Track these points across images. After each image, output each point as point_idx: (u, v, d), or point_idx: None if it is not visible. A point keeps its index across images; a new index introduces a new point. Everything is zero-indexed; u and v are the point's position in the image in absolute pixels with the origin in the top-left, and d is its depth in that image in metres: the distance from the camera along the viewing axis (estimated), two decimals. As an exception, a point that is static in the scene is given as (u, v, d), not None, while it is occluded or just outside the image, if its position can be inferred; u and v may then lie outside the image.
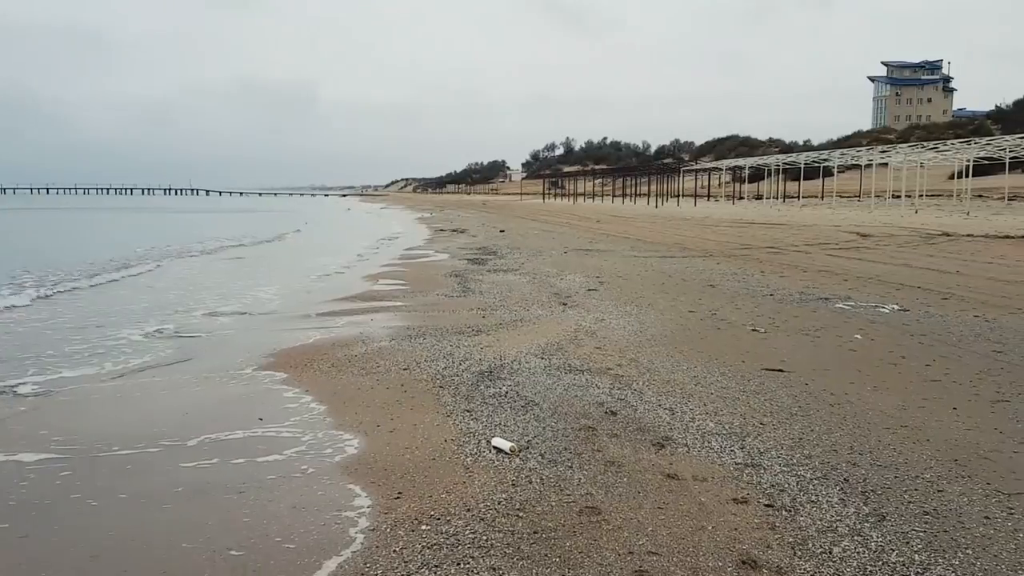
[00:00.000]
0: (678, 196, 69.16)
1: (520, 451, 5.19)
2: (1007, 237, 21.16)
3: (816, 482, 4.58)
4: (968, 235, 22.30)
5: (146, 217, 65.07)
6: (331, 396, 6.74)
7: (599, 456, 5.07)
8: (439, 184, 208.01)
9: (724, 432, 5.52)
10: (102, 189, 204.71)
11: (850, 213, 39.15)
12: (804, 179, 63.97)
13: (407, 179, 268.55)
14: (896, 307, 10.79)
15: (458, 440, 5.44)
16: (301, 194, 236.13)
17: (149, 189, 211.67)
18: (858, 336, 8.83)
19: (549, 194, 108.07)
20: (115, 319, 11.42)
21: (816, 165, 64.08)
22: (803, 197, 60.23)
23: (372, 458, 5.15)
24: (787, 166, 62.32)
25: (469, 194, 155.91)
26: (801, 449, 5.14)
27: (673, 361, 7.77)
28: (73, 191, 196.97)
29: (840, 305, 11.08)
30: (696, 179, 75.72)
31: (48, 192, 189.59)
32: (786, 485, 4.54)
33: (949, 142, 49.13)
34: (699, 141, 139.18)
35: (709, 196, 70.65)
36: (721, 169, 67.82)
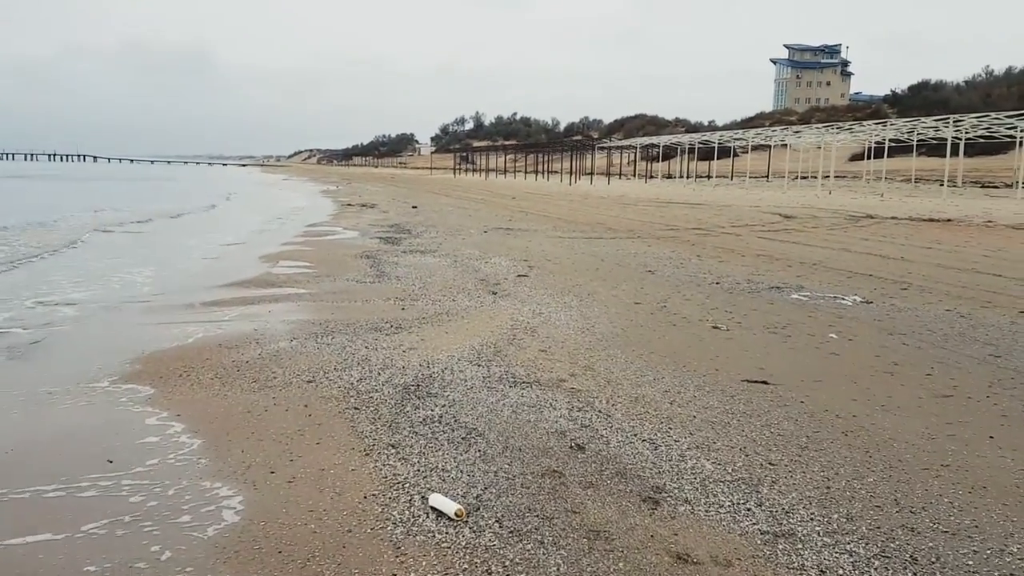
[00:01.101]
0: (591, 174, 68.61)
1: (469, 515, 3.81)
2: (932, 220, 21.01)
3: (879, 565, 3.38)
4: (892, 217, 22.11)
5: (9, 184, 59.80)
6: (210, 423, 5.17)
7: (576, 521, 3.74)
8: (345, 156, 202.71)
9: (729, 478, 4.28)
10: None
11: (764, 193, 39.18)
12: (708, 159, 64.43)
13: (311, 150, 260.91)
14: (858, 299, 9.90)
15: (383, 495, 4.02)
16: (197, 163, 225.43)
17: (32, 154, 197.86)
18: (833, 336, 7.81)
19: (460, 169, 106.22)
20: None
21: (727, 145, 64.62)
22: (714, 177, 60.62)
23: (261, 531, 3.66)
24: (700, 145, 62.55)
25: (377, 167, 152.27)
26: (836, 505, 3.95)
27: (635, 369, 6.52)
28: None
29: (796, 296, 10.11)
30: (608, 157, 75.42)
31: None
32: (841, 570, 3.32)
33: (864, 123, 50.12)
34: (607, 119, 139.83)
35: (621, 174, 70.41)
36: (636, 147, 67.55)
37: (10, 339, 7.71)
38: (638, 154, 69.66)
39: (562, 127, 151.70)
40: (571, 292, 10.36)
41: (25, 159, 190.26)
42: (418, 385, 6.00)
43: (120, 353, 7.11)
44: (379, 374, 6.32)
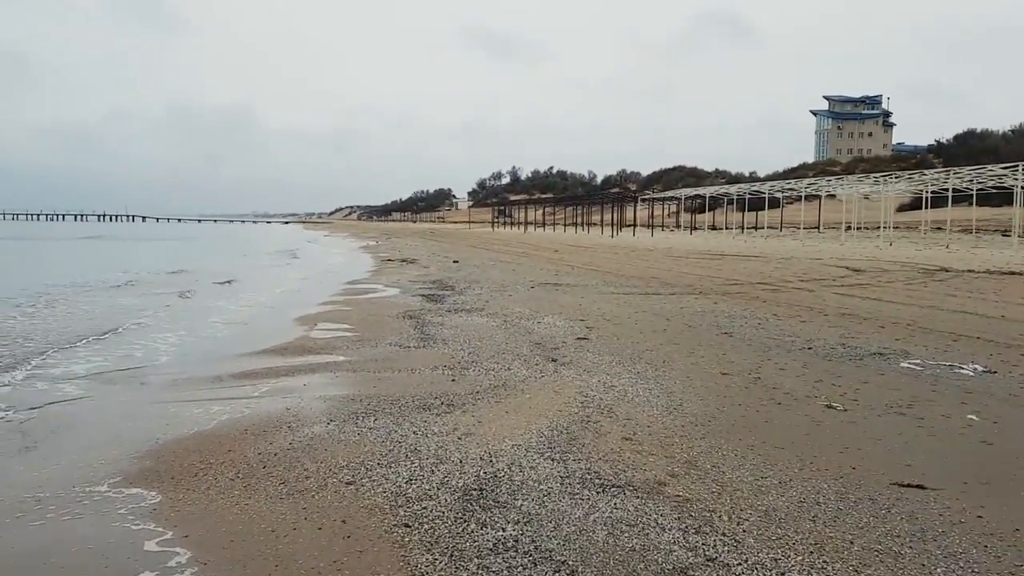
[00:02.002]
0: (633, 226, 67.57)
1: None
2: (1013, 274, 19.44)
3: None
4: (968, 271, 20.57)
5: (59, 247, 60.52)
6: (223, 549, 4.05)
7: None
8: (384, 212, 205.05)
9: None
10: (32, 215, 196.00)
11: (822, 245, 37.67)
12: (753, 210, 62.92)
13: (351, 207, 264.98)
14: (979, 368, 8.52)
15: None
16: (243, 221, 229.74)
17: (82, 215, 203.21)
18: (973, 417, 6.47)
19: (498, 223, 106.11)
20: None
21: (773, 195, 63.22)
22: (759, 228, 59.19)
23: None
24: (750, 196, 61.18)
25: (415, 222, 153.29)
26: None
27: (750, 467, 5.27)
28: (0, 217, 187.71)
29: (906, 364, 8.76)
30: (650, 208, 74.43)
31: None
32: None
33: (926, 171, 48.49)
34: (641, 171, 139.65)
35: (664, 226, 69.27)
36: (680, 198, 66.47)
37: (5, 423, 6.71)
38: (682, 205, 68.50)
39: (599, 180, 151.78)
40: (642, 359, 9.14)
41: (75, 219, 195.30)
42: (481, 489, 4.83)
43: (129, 442, 6.07)
44: (432, 471, 5.17)
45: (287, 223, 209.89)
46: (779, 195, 55.83)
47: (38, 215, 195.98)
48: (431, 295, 17.08)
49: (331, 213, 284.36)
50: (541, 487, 4.86)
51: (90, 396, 8.04)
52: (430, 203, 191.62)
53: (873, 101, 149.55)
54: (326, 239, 74.33)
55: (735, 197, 60.30)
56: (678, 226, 71.56)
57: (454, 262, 29.46)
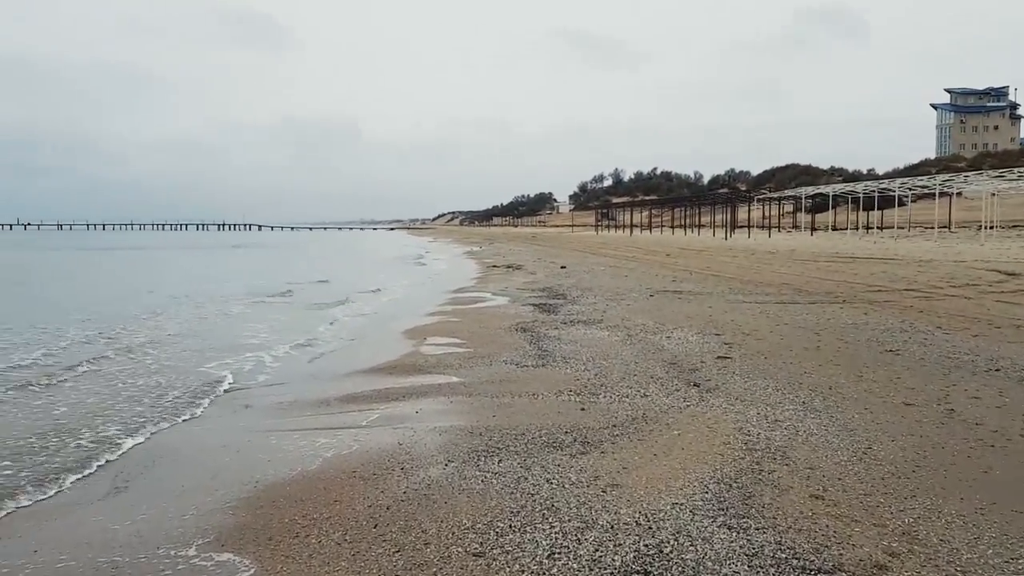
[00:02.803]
0: (747, 227, 64.77)
1: None
2: None
3: None
4: None
5: (189, 257, 62.90)
6: (326, 655, 3.15)
7: None
8: (486, 217, 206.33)
9: None
10: (158, 225, 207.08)
11: (961, 246, 34.65)
12: (870, 209, 59.04)
13: (454, 212, 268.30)
14: None
15: None
16: (351, 228, 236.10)
17: (203, 224, 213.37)
18: None
19: (600, 225, 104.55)
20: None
21: (892, 194, 59.26)
22: (883, 228, 55.58)
23: None
24: (879, 194, 57.45)
25: (516, 226, 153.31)
26: None
27: (992, 541, 4.02)
28: (128, 227, 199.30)
29: None
30: (763, 208, 71.30)
31: (104, 228, 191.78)
32: None
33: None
34: (751, 170, 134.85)
35: (779, 227, 66.14)
36: (799, 197, 63.20)
37: (112, 466, 6.12)
38: (803, 205, 65.17)
39: (705, 180, 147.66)
40: (802, 384, 7.87)
41: (197, 229, 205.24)
42: (647, 573, 3.78)
43: (227, 483, 5.34)
44: (578, 540, 4.16)
45: (392, 229, 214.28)
46: (908, 192, 52.10)
47: (163, 225, 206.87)
48: (543, 305, 16.13)
49: (434, 219, 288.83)
50: (724, 572, 3.77)
51: (197, 417, 7.47)
52: (531, 207, 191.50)
53: (999, 93, 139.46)
54: (431, 244, 74.79)
55: (861, 195, 56.73)
56: (795, 227, 68.18)
57: (562, 268, 28.46)
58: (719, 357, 9.48)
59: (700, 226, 76.01)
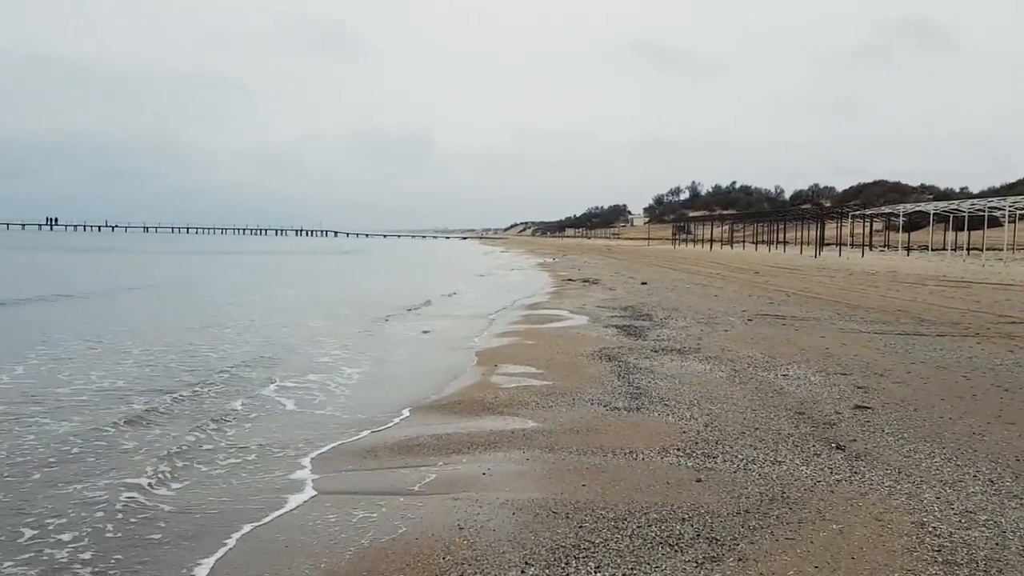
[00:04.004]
0: (838, 245, 61.41)
1: None
2: None
3: None
4: None
5: (276, 261, 63.09)
6: None
7: None
8: (558, 228, 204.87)
9: None
10: (239, 230, 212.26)
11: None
12: (967, 229, 54.91)
13: (526, 223, 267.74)
14: None
15: None
16: (424, 236, 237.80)
17: (282, 230, 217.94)
18: None
19: (677, 239, 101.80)
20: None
21: (993, 214, 55.10)
22: (984, 249, 51.62)
23: None
24: (987, 213, 53.48)
25: (589, 238, 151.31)
26: None
27: None
28: (211, 231, 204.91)
29: None
30: (852, 225, 67.66)
31: (189, 232, 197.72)
32: None
33: None
34: (832, 186, 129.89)
35: (870, 245, 62.50)
36: (897, 215, 59.49)
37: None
38: (897, 223, 61.42)
39: (786, 195, 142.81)
40: (977, 452, 6.04)
41: (276, 234, 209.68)
42: None
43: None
44: None
45: (464, 238, 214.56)
46: (1014, 212, 48.22)
47: (243, 229, 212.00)
48: (627, 327, 14.44)
49: (506, 229, 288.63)
50: None
51: (225, 464, 6.10)
52: (604, 219, 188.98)
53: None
54: (503, 254, 73.61)
55: (967, 214, 52.88)
56: (887, 245, 64.38)
57: (642, 283, 26.63)
58: (857, 407, 7.66)
59: (784, 242, 72.72)
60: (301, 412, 8.10)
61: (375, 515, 4.88)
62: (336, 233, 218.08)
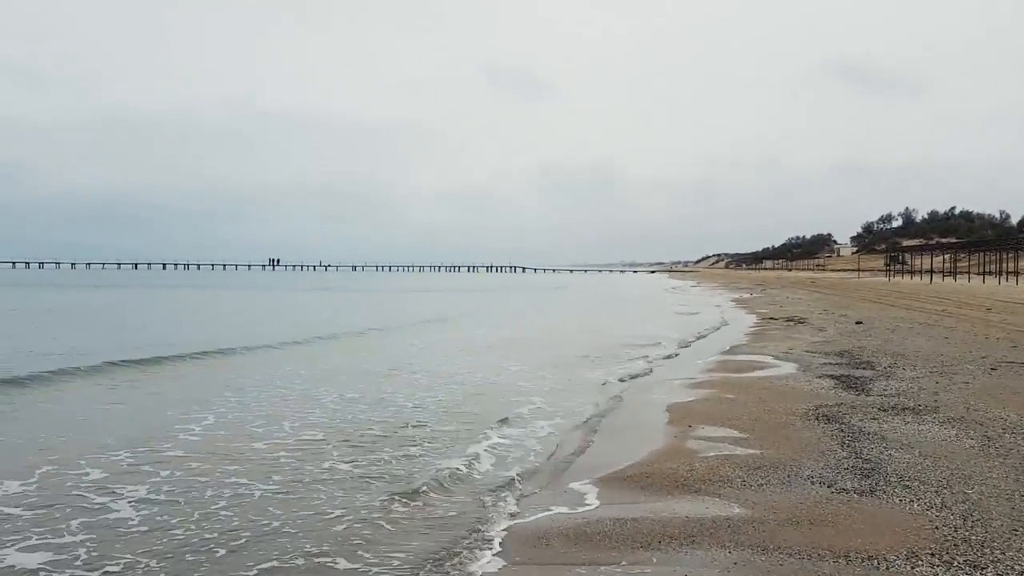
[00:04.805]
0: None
1: None
2: None
3: None
4: None
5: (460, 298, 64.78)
6: None
7: None
8: (755, 259, 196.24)
9: None
10: (433, 267, 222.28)
11: None
12: None
13: (718, 255, 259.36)
14: None
15: None
16: (610, 270, 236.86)
17: (473, 267, 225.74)
18: None
19: (891, 271, 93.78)
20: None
21: None
22: None
23: None
24: None
25: (790, 270, 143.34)
26: None
27: None
28: (408, 268, 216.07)
29: None
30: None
31: (389, 270, 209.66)
32: None
33: None
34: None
35: None
36: None
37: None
38: None
39: (1013, 220, 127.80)
40: None
41: (467, 271, 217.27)
42: None
43: None
44: None
45: (652, 272, 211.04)
46: None
47: (438, 267, 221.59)
48: (845, 377, 12.64)
49: (697, 261, 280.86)
50: None
51: (392, 543, 5.43)
52: (807, 249, 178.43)
53: None
54: (694, 289, 70.95)
55: None
56: None
57: (856, 323, 24.01)
58: None
59: (1016, 273, 64.55)
60: (481, 478, 7.35)
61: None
62: (523, 269, 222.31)
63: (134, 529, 5.85)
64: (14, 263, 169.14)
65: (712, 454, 7.72)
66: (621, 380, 13.58)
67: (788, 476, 6.83)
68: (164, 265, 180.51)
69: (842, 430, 8.64)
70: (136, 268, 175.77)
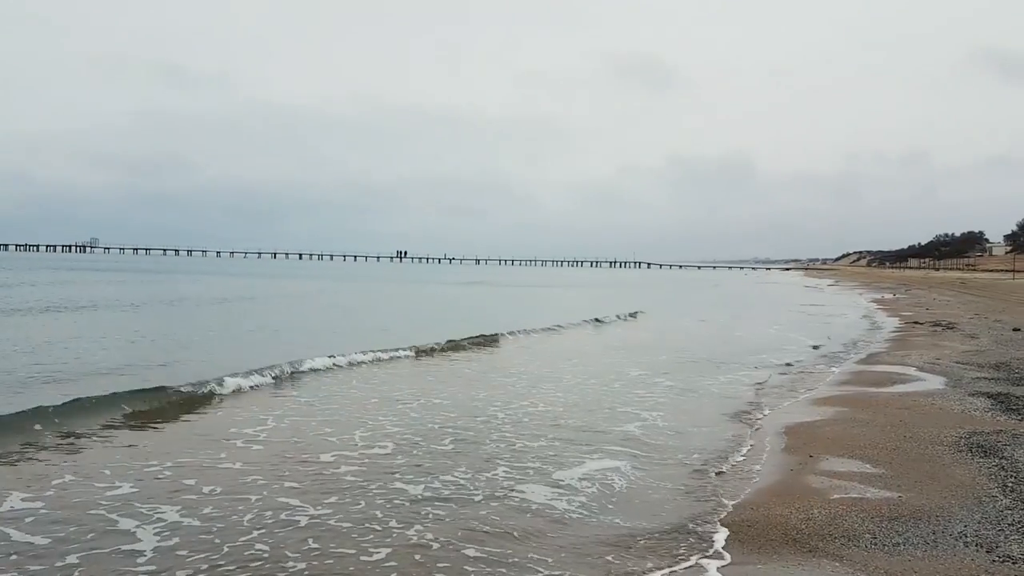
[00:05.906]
0: None
1: None
2: None
3: None
4: None
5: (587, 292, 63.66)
6: None
7: None
8: (899, 258, 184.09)
9: None
10: (556, 262, 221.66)
11: None
12: None
13: (859, 252, 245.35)
14: None
15: None
16: (741, 267, 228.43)
17: (596, 261, 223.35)
18: None
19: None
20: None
21: None
22: None
23: None
24: None
25: (937, 270, 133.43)
26: None
27: None
28: (532, 263, 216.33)
29: None
30: None
31: (512, 264, 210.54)
32: None
33: None
34: None
35: None
36: None
37: None
38: None
39: None
40: None
41: (591, 265, 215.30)
42: None
43: None
44: None
45: (787, 269, 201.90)
46: None
47: (561, 262, 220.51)
48: (1003, 396, 10.73)
49: (836, 259, 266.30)
50: None
51: None
52: (955, 248, 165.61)
53: None
54: (830, 288, 66.68)
55: None
56: None
57: (1014, 330, 21.22)
58: None
59: None
60: (561, 525, 6.28)
61: None
62: (649, 264, 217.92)
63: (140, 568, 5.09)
64: (164, 250, 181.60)
65: (836, 496, 6.32)
66: (737, 396, 12.12)
67: (934, 533, 5.40)
68: (300, 255, 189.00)
69: (1003, 467, 7.03)
70: (275, 257, 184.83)
